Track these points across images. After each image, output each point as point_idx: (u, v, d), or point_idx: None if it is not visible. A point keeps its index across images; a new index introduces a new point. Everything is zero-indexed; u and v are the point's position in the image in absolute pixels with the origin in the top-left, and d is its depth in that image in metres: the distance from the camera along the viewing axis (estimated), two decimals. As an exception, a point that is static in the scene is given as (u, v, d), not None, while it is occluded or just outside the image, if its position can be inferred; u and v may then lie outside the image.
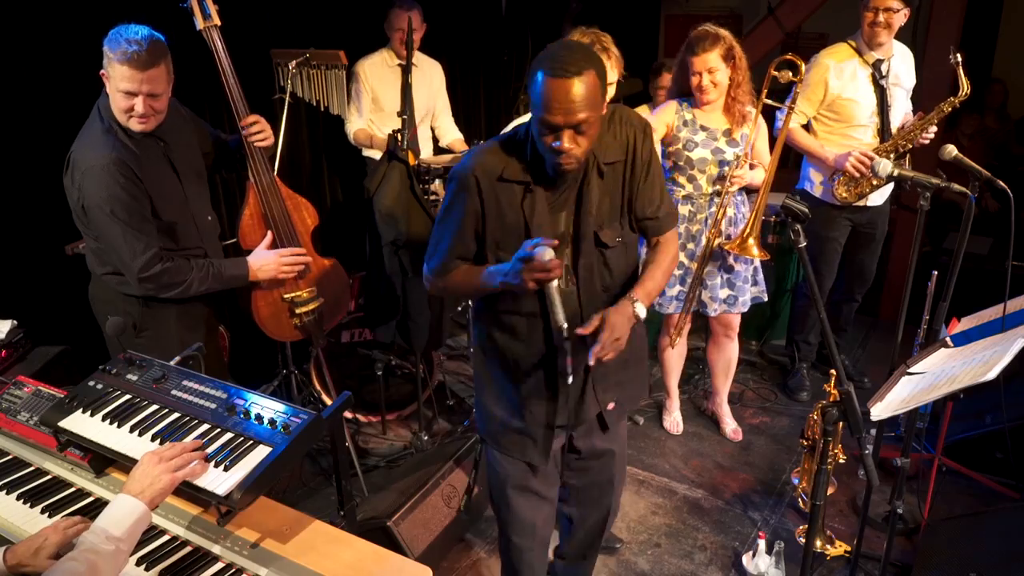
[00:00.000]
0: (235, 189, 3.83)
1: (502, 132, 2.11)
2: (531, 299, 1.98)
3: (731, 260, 3.30)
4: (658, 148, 3.10)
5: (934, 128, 3.38)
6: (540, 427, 2.12)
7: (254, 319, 2.82)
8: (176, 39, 2.42)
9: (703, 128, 3.14)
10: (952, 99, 3.22)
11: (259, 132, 2.63)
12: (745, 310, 3.42)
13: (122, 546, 1.49)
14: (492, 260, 1.97)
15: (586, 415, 2.17)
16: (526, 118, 2.10)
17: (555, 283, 1.83)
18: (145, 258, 2.36)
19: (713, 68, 3.01)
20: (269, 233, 2.73)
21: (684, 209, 3.24)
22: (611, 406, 2.18)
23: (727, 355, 3.59)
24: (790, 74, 3.09)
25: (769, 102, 3.15)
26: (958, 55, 2.98)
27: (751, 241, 3.16)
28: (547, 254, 1.78)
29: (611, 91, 2.73)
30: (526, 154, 1.90)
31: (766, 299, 3.47)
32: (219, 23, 2.54)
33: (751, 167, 3.22)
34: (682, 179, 3.21)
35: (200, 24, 2.53)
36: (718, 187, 3.20)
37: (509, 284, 1.86)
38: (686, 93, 3.19)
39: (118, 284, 2.48)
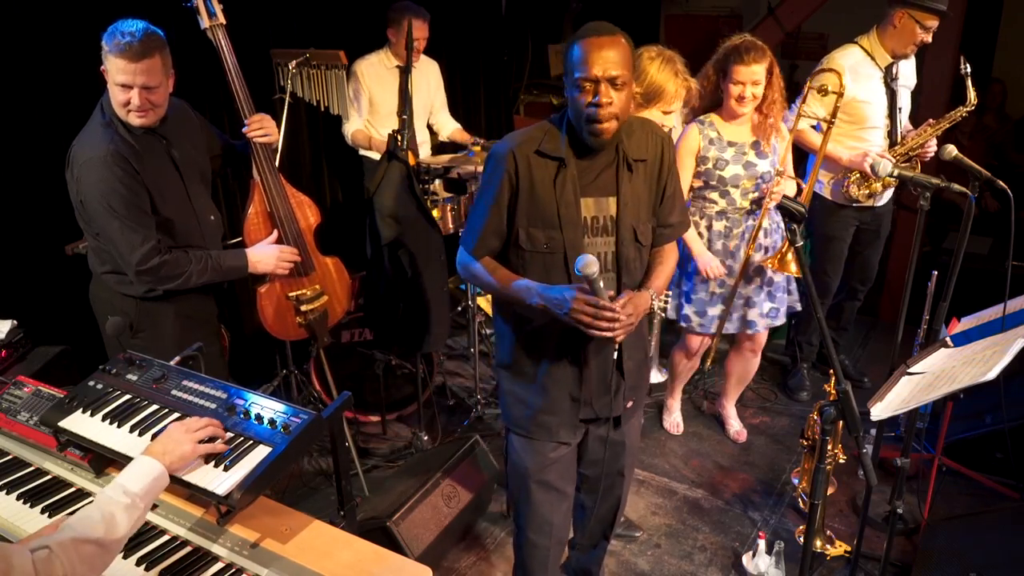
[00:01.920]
0: (235, 190, 3.83)
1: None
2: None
3: (770, 272, 3.22)
4: (689, 172, 3.09)
5: (934, 143, 3.43)
6: (567, 401, 2.16)
7: (259, 318, 2.83)
8: (180, 38, 2.42)
9: (730, 144, 3.06)
10: (961, 108, 3.28)
11: (258, 128, 2.62)
12: (782, 322, 3.37)
13: (138, 502, 1.50)
14: (523, 237, 2.02)
15: (617, 408, 2.21)
16: None
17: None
18: (143, 251, 2.35)
19: (758, 81, 2.92)
20: (275, 231, 2.74)
21: (720, 225, 3.15)
22: (629, 404, 2.24)
23: (748, 367, 3.56)
24: (828, 88, 3.09)
25: (808, 116, 3.16)
26: (967, 66, 2.99)
27: (790, 256, 3.08)
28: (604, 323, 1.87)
29: (671, 119, 2.68)
30: (562, 134, 1.98)
31: (799, 308, 3.41)
32: (224, 22, 2.55)
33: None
34: (714, 195, 3.12)
35: (206, 23, 2.53)
36: (754, 200, 3.12)
37: (550, 311, 1.93)
38: (711, 107, 3.10)
39: (116, 283, 2.48)
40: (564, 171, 1.98)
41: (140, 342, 2.49)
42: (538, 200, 1.99)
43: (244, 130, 2.62)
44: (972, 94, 3.18)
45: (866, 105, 3.46)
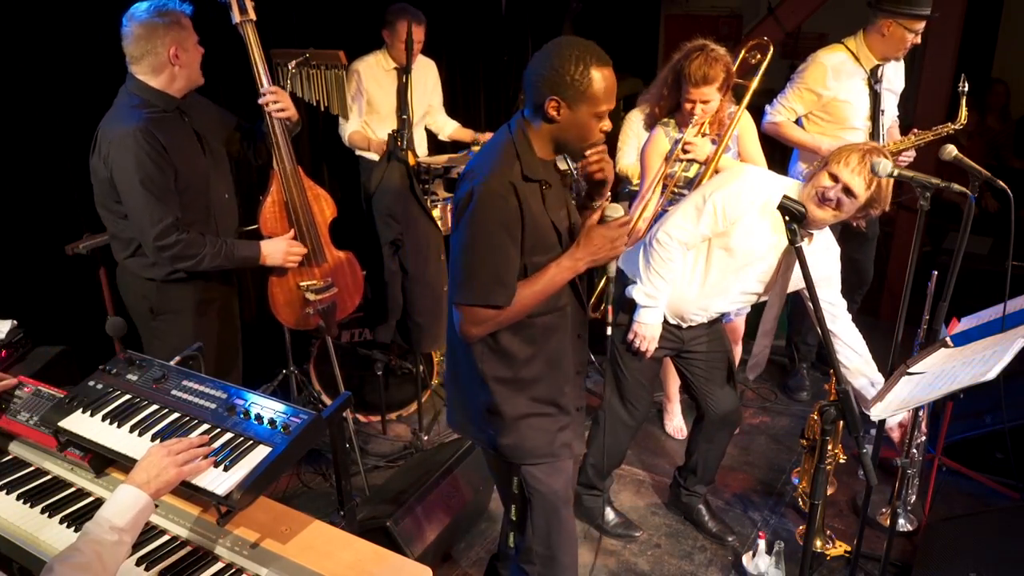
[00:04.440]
0: (254, 179, 3.83)
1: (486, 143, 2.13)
2: (564, 292, 2.02)
3: None
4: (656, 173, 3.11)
5: (913, 152, 3.46)
6: (579, 414, 2.17)
7: (269, 306, 2.88)
8: (205, 33, 2.50)
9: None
10: (949, 124, 3.32)
11: (276, 103, 2.65)
12: (748, 310, 3.41)
13: (125, 537, 1.50)
14: (529, 269, 1.93)
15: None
16: None
17: None
18: (163, 226, 2.42)
19: (709, 100, 2.97)
20: (292, 231, 2.81)
21: None
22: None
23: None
24: (758, 55, 3.09)
25: (739, 81, 3.12)
26: (966, 85, 3.00)
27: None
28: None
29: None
30: (532, 154, 1.91)
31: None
32: (255, 18, 2.60)
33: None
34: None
35: (237, 18, 2.59)
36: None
37: (596, 261, 1.94)
38: (673, 110, 3.12)
39: (139, 268, 2.56)
40: (547, 190, 1.92)
41: (161, 324, 2.60)
42: (538, 226, 1.90)
43: (260, 100, 2.66)
44: (964, 113, 3.22)
45: (847, 105, 3.48)
